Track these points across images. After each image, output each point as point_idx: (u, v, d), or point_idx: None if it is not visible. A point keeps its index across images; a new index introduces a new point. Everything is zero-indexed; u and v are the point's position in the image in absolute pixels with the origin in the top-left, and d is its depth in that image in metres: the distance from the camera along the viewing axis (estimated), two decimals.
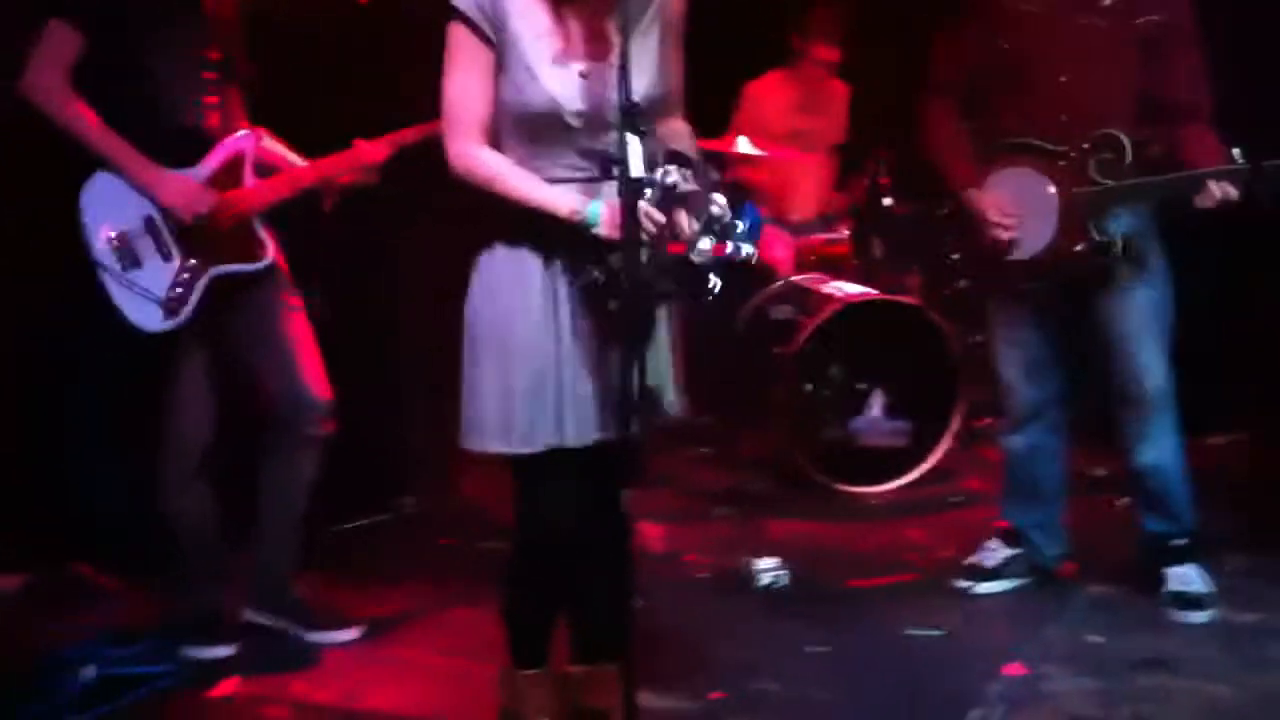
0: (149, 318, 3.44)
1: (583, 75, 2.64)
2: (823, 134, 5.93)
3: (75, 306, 3.61)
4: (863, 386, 5.07)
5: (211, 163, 3.52)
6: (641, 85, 2.58)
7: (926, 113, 3.85)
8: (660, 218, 2.50)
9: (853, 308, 5.04)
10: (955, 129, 3.80)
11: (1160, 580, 3.73)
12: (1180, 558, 3.72)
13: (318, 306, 3.78)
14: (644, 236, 2.50)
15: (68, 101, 3.35)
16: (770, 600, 3.98)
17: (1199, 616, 3.64)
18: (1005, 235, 3.67)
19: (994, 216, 3.67)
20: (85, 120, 3.37)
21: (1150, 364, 3.65)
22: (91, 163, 3.41)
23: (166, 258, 3.45)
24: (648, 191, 2.49)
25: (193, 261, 3.47)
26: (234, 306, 3.56)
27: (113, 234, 3.42)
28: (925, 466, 5.04)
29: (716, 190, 2.66)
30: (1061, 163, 3.59)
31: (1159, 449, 3.70)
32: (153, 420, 3.60)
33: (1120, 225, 3.59)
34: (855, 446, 5.04)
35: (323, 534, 4.32)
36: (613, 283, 2.57)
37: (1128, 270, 3.61)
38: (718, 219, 2.58)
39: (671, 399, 2.83)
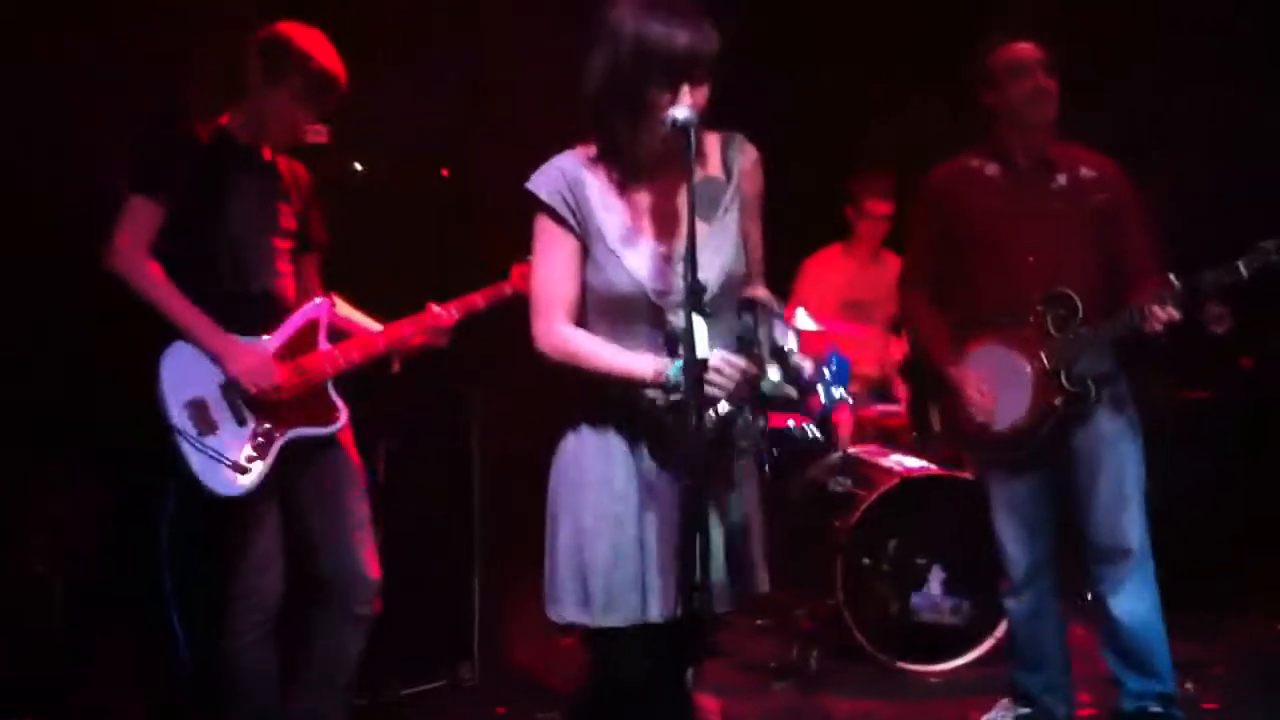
0: (224, 483, 3.47)
1: (663, 256, 2.70)
2: (878, 305, 6.00)
3: (152, 469, 3.63)
4: (921, 562, 5.03)
5: (285, 331, 3.61)
6: (719, 265, 2.66)
7: (904, 304, 4.14)
8: (743, 364, 2.56)
9: (910, 482, 5.03)
10: (929, 315, 4.03)
11: None
12: None
13: (381, 473, 3.81)
14: (727, 390, 2.55)
15: (148, 273, 3.46)
16: None
17: None
18: (984, 409, 3.87)
19: (972, 392, 3.88)
20: (163, 291, 3.46)
21: (1131, 520, 3.77)
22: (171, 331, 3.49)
23: (241, 423, 3.51)
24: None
25: (266, 426, 3.53)
26: (303, 469, 3.62)
27: (189, 400, 3.48)
28: (985, 646, 4.96)
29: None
30: (1025, 331, 3.79)
31: (1137, 603, 3.75)
32: (219, 576, 3.61)
33: (1088, 370, 3.76)
34: (914, 622, 4.98)
35: (382, 699, 4.31)
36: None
37: (1107, 411, 3.78)
38: (806, 370, 2.64)
39: (756, 575, 2.83)
